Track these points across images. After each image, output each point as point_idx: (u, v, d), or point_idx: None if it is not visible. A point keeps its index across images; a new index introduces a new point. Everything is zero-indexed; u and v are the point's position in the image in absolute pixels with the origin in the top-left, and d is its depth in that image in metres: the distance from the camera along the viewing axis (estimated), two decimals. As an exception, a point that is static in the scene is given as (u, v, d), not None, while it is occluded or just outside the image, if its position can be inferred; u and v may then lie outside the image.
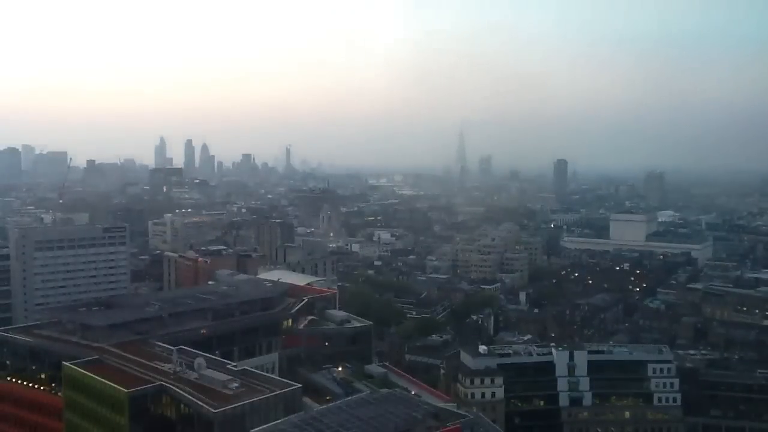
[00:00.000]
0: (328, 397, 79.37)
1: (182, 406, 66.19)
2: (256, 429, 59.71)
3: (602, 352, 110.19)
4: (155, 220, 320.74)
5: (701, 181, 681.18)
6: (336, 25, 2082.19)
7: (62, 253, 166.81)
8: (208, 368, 71.91)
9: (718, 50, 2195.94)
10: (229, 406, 63.63)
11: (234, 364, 76.83)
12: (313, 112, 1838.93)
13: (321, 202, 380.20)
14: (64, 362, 75.35)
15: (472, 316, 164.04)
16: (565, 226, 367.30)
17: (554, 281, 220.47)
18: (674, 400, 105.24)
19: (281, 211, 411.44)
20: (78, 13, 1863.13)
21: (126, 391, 66.26)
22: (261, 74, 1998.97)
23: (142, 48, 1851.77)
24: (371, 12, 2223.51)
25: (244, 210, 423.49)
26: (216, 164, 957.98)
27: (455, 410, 70.81)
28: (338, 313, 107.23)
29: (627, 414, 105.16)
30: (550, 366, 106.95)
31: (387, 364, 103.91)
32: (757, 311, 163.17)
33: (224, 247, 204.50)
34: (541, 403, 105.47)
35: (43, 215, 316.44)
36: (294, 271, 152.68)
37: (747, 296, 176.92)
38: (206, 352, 77.41)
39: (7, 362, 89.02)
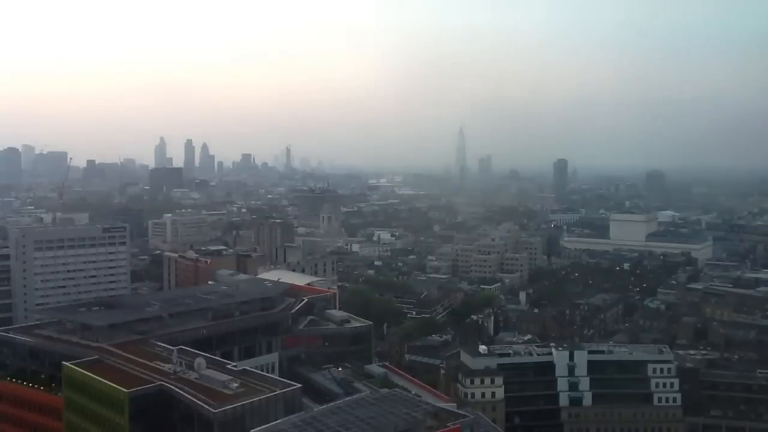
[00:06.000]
0: (328, 397, 79.34)
1: (182, 406, 66.16)
2: (256, 429, 59.69)
3: (602, 352, 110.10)
4: (155, 220, 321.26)
5: (701, 181, 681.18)
6: (336, 25, 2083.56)
7: (62, 253, 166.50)
8: (208, 368, 71.90)
9: (718, 49, 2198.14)
10: (229, 406, 63.62)
11: (234, 364, 76.85)
12: (313, 112, 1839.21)
13: (321, 202, 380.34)
14: (64, 362, 75.30)
15: (472, 316, 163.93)
16: (565, 226, 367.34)
17: (554, 281, 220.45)
18: (674, 400, 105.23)
19: (281, 211, 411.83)
20: (78, 14, 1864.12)
21: (126, 391, 66.20)
22: (261, 74, 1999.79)
23: (142, 48, 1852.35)
24: (371, 12, 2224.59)
25: (244, 210, 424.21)
26: (216, 164, 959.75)
27: (455, 410, 70.76)
28: (338, 313, 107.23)
29: (627, 414, 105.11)
30: (550, 366, 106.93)
31: (387, 364, 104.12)
32: (757, 311, 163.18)
33: (224, 247, 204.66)
34: (541, 403, 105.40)
35: (43, 215, 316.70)
36: (294, 271, 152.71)
37: (747, 296, 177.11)
38: (206, 352, 77.44)
39: (7, 362, 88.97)
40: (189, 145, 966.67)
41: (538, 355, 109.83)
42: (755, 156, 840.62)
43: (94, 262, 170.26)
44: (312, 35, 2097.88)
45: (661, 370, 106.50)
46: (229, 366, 74.70)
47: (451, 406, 75.46)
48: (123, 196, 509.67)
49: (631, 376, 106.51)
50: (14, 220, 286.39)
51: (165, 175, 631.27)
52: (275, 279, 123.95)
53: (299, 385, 70.73)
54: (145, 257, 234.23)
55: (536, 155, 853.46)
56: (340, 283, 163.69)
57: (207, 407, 63.18)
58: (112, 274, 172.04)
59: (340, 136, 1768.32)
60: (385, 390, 74.86)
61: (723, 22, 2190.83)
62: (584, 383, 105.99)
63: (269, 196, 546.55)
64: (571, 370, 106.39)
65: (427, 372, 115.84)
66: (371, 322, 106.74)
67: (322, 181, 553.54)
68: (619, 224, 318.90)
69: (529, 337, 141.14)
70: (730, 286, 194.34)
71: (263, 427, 60.22)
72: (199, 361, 72.05)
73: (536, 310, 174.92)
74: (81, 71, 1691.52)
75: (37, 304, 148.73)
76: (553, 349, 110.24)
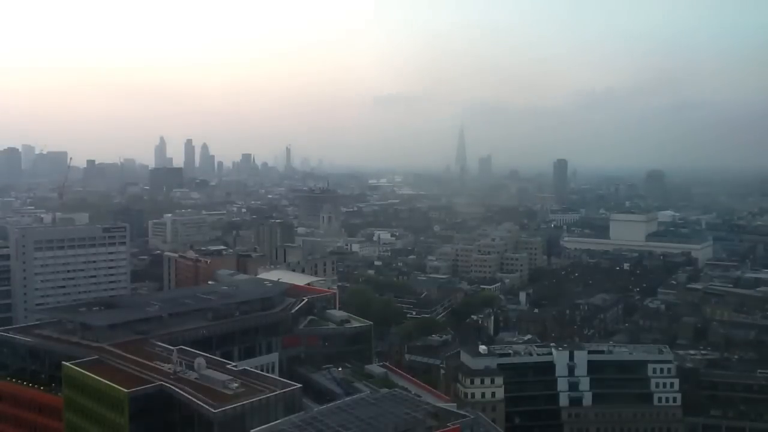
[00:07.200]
0: (328, 397, 79.34)
1: (182, 406, 66.16)
2: (256, 429, 59.70)
3: (602, 352, 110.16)
4: (155, 220, 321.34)
5: (701, 181, 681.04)
6: (336, 25, 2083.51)
7: (62, 253, 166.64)
8: (208, 368, 71.91)
9: (718, 49, 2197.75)
10: (229, 406, 63.60)
11: (234, 364, 76.85)
12: (313, 112, 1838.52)
13: (321, 202, 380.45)
14: (64, 362, 75.26)
15: (472, 316, 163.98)
16: (565, 226, 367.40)
17: (554, 281, 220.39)
18: (674, 400, 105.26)
19: (281, 211, 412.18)
20: (78, 13, 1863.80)
21: (126, 391, 66.17)
22: (261, 74, 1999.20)
23: (143, 48, 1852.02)
24: (371, 11, 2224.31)
25: (244, 210, 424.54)
26: (216, 164, 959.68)
27: (455, 410, 70.78)
28: (338, 313, 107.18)
29: (627, 414, 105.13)
30: (550, 366, 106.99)
31: (387, 364, 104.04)
32: (757, 311, 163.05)
33: (224, 247, 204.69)
34: (541, 403, 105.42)
35: (43, 215, 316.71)
36: (294, 271, 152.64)
37: (747, 296, 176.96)
38: (206, 352, 77.43)
39: (7, 362, 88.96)
40: (189, 145, 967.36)
41: (538, 355, 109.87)
42: (755, 156, 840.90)
43: (94, 262, 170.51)
44: (312, 35, 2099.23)
45: (661, 370, 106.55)
46: (229, 366, 74.69)
47: (451, 406, 75.46)
48: (123, 196, 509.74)
49: (631, 376, 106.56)
50: (14, 220, 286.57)
51: (165, 175, 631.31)
52: (275, 279, 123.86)
53: (299, 385, 70.70)
54: (145, 257, 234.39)
55: (536, 155, 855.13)
56: (340, 283, 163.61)
57: (207, 407, 63.17)
58: (112, 274, 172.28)
59: (340, 136, 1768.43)
60: (385, 390, 74.85)
61: (723, 22, 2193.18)
62: (584, 383, 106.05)
63: (269, 196, 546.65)
64: (571, 370, 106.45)
65: (427, 372, 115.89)
66: (371, 322, 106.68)
67: (322, 181, 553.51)
68: (619, 224, 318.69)
69: (529, 337, 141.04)
70: (730, 286, 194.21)
71: (263, 427, 60.22)
72: (199, 361, 72.05)
73: (536, 310, 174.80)
74: (81, 71, 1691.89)
75: (37, 304, 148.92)
76: (553, 349, 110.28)
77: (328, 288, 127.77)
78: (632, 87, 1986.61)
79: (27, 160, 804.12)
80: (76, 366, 73.78)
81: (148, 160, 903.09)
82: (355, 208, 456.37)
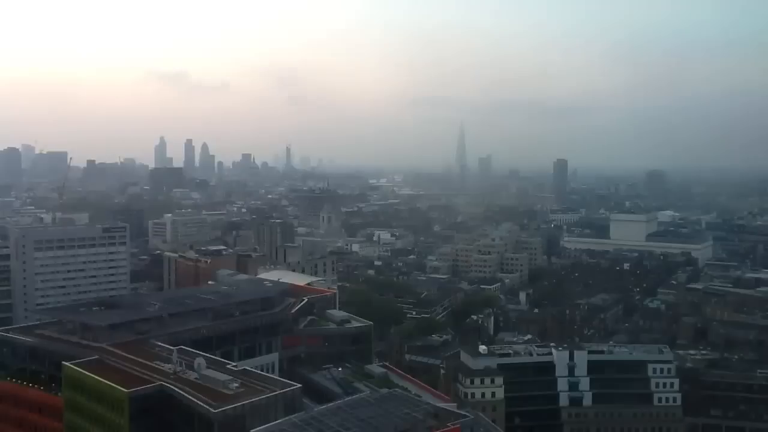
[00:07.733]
0: (328, 397, 79.28)
1: (182, 406, 66.13)
2: (256, 429, 59.68)
3: (602, 352, 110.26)
4: (155, 220, 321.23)
5: (701, 181, 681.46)
6: (335, 25, 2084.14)
7: (62, 253, 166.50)
8: (208, 368, 71.87)
9: (718, 49, 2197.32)
10: (229, 406, 63.55)
11: (234, 364, 76.82)
12: (313, 112, 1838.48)
13: (321, 202, 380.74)
14: (64, 362, 75.22)
15: (472, 316, 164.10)
16: (565, 226, 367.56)
17: (554, 281, 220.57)
18: (674, 400, 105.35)
19: (281, 211, 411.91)
20: (78, 14, 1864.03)
21: (126, 391, 66.15)
22: (260, 75, 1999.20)
23: (142, 48, 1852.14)
24: (371, 11, 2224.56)
25: (244, 210, 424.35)
26: (216, 164, 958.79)
27: (455, 410, 70.75)
28: (338, 313, 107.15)
29: (627, 414, 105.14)
30: (550, 366, 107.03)
31: (387, 364, 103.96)
32: (757, 311, 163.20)
33: (224, 247, 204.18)
34: (541, 403, 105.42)
35: (43, 215, 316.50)
36: (294, 271, 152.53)
37: (747, 296, 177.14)
38: (206, 352, 77.38)
39: (7, 362, 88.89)
40: (189, 145, 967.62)
41: (538, 355, 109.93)
42: (755, 156, 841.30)
43: (94, 262, 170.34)
44: (312, 35, 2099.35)
45: (661, 370, 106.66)
46: (229, 366, 74.64)
47: (451, 406, 75.45)
48: (123, 196, 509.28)
49: (631, 376, 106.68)
50: (14, 220, 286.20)
51: (165, 175, 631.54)
52: (275, 279, 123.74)
53: (299, 385, 70.64)
54: (145, 257, 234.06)
55: (536, 155, 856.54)
56: (340, 283, 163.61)
57: (207, 407, 63.16)
58: (112, 274, 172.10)
59: (340, 136, 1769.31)
60: (385, 390, 74.79)
61: (722, 22, 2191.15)
62: (584, 383, 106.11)
63: (269, 196, 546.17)
64: (571, 370, 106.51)
65: (427, 372, 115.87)
66: (371, 322, 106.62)
67: (322, 181, 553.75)
68: (619, 224, 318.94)
69: (529, 337, 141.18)
70: (730, 286, 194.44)
71: (263, 427, 60.18)
72: (199, 361, 72.02)
73: (536, 310, 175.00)
74: (81, 71, 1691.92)
75: (37, 304, 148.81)
76: (553, 349, 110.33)
77: (328, 288, 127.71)
78: (632, 87, 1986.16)
79: (27, 160, 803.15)
80: (76, 366, 73.75)
81: (148, 160, 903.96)
82: (355, 208, 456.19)
